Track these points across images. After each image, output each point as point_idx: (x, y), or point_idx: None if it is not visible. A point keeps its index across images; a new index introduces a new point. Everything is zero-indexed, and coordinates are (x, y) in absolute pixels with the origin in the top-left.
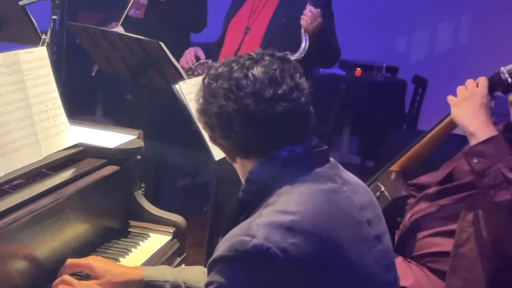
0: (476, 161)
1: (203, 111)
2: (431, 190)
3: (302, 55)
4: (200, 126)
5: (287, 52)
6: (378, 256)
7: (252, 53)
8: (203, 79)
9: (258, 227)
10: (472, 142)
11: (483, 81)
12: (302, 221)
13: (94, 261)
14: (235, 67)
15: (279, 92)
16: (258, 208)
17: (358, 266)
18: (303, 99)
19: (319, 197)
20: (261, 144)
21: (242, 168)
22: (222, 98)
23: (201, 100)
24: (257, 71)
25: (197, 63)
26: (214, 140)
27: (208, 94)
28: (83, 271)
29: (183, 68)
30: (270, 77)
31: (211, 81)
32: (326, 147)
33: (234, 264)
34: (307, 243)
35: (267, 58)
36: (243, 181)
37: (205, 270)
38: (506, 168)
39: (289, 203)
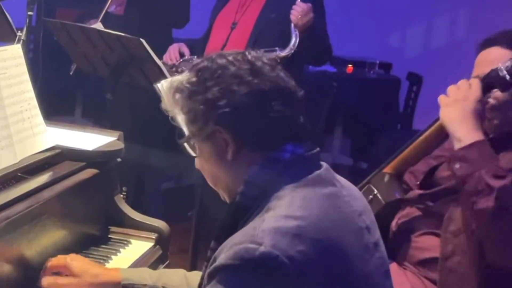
0: (458, 166)
1: (208, 103)
2: (412, 195)
3: (292, 51)
4: (184, 124)
5: (276, 48)
6: (378, 264)
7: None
8: (199, 72)
9: (264, 233)
10: (456, 146)
11: (476, 83)
12: (308, 227)
13: (72, 260)
14: (242, 57)
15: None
16: (258, 212)
17: (362, 274)
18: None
19: (322, 201)
20: (268, 139)
21: (230, 172)
22: (236, 86)
23: (209, 94)
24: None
25: (181, 60)
26: (198, 137)
27: (218, 85)
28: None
29: (166, 65)
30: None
31: (220, 70)
32: (318, 148)
33: (240, 273)
34: (314, 250)
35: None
36: (223, 189)
37: (187, 273)
38: (488, 174)
39: (293, 207)
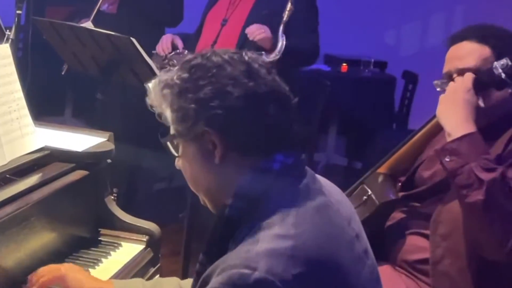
0: (448, 159)
1: (199, 103)
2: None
3: (277, 57)
4: (171, 122)
5: (262, 52)
6: (369, 271)
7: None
8: (190, 72)
9: (258, 256)
10: (448, 139)
11: (467, 76)
12: (303, 246)
13: (67, 272)
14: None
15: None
16: (249, 226)
17: (357, 286)
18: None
19: (314, 216)
20: (259, 146)
21: (214, 177)
22: (232, 87)
23: (201, 93)
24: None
25: (173, 52)
26: (185, 137)
27: (213, 85)
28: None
29: (158, 56)
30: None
31: (215, 69)
32: (304, 155)
33: None
34: (310, 271)
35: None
36: (204, 194)
37: (181, 282)
38: (478, 167)
39: (287, 225)
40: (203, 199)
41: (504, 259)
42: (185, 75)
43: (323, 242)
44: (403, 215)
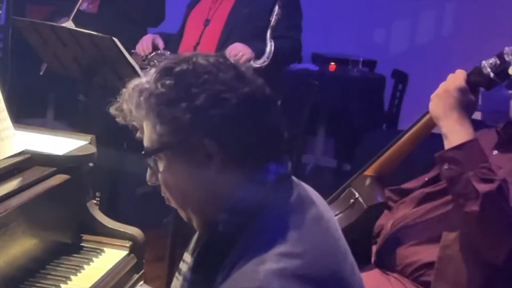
0: (446, 167)
1: (196, 112)
2: (417, 194)
3: (266, 62)
4: (157, 135)
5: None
6: (360, 281)
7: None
8: (177, 79)
9: (267, 277)
10: (446, 144)
11: (459, 73)
12: (311, 265)
13: None
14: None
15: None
16: (247, 244)
17: None
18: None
19: (314, 228)
20: (256, 154)
21: (207, 191)
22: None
23: (196, 102)
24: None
25: (154, 53)
26: (174, 150)
27: (206, 93)
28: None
29: (138, 56)
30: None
31: (206, 75)
32: (290, 162)
33: None
34: None
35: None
36: (193, 211)
37: None
38: (475, 177)
39: (290, 241)
40: (188, 217)
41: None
42: (170, 82)
43: (327, 257)
44: (415, 216)
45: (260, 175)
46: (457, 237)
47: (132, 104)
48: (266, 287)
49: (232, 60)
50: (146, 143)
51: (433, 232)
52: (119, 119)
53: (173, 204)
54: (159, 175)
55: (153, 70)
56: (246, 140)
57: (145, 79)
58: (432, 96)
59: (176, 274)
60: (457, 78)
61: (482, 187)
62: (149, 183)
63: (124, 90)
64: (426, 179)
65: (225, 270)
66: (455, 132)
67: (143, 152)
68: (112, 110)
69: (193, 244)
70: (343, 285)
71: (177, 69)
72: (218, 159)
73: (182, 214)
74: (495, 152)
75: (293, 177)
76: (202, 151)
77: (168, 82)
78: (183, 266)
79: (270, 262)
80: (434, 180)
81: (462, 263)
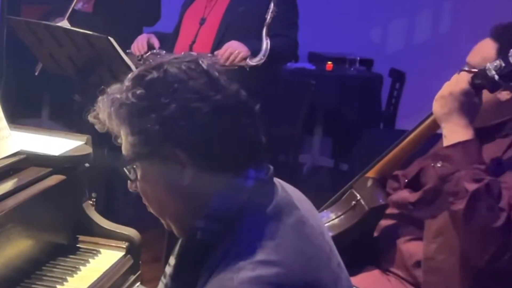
0: (440, 165)
1: (165, 123)
2: (398, 198)
3: (262, 60)
4: (130, 145)
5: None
6: (346, 285)
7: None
8: (156, 82)
9: (243, 285)
10: (444, 144)
11: (463, 75)
12: (287, 273)
13: None
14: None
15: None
16: (225, 251)
17: None
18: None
19: (292, 236)
20: (231, 162)
21: (184, 200)
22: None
23: (165, 112)
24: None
25: (149, 52)
26: (148, 160)
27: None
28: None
29: (133, 56)
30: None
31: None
32: (272, 167)
33: None
34: None
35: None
36: (171, 220)
37: None
38: (467, 177)
39: (268, 248)
40: (168, 224)
41: (486, 266)
42: (140, 91)
43: (305, 265)
44: (394, 222)
45: (237, 182)
46: (438, 247)
47: (105, 114)
48: None
49: (205, 66)
50: (123, 151)
51: (421, 230)
52: (97, 127)
53: (152, 211)
54: (138, 183)
55: (128, 77)
56: (218, 148)
57: (118, 87)
58: (437, 97)
59: (162, 277)
60: (461, 81)
61: (472, 186)
62: (130, 190)
63: (99, 98)
64: (406, 180)
65: (204, 277)
66: (455, 133)
67: (124, 165)
68: (90, 118)
69: (177, 248)
70: None
71: (148, 77)
72: (191, 168)
73: (162, 221)
74: None
75: (277, 181)
76: (175, 160)
77: (138, 92)
78: (168, 269)
79: (246, 270)
80: (413, 182)
81: (449, 273)
